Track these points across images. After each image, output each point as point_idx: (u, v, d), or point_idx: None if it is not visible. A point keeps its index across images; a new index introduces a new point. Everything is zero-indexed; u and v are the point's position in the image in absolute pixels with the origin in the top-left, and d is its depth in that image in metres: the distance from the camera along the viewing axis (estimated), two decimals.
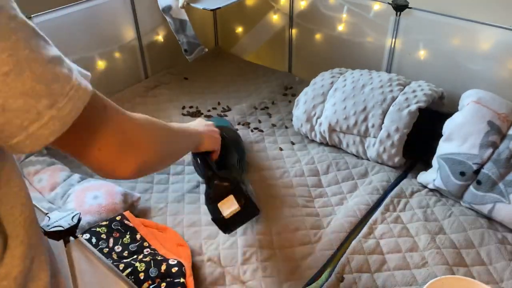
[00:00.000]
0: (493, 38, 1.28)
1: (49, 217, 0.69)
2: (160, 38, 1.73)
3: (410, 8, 1.39)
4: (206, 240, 1.04)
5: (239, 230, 1.05)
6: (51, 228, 0.66)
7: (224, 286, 0.94)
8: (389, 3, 1.42)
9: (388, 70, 1.52)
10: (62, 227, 0.67)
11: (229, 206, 0.91)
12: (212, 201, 0.94)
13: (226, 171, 1.00)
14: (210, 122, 1.07)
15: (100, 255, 0.70)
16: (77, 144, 0.54)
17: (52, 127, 0.44)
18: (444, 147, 1.14)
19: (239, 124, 1.46)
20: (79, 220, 0.70)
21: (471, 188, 1.08)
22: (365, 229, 1.05)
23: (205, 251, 1.01)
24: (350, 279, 0.94)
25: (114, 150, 0.56)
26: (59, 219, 0.68)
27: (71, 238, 0.69)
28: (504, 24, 1.24)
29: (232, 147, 1.14)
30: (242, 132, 1.42)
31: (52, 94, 0.44)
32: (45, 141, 0.45)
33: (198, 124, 1.01)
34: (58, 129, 0.45)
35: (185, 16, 1.55)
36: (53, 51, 0.46)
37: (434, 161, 1.16)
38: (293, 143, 1.37)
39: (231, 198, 0.92)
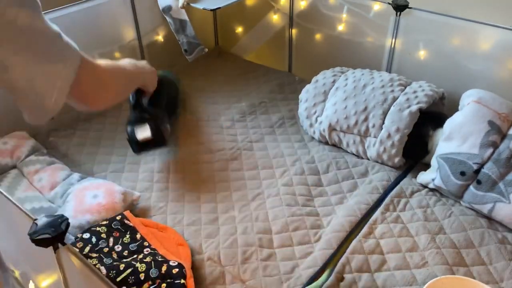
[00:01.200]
0: (493, 38, 1.28)
1: (36, 224, 0.67)
2: (160, 38, 1.73)
3: (410, 8, 1.39)
4: (206, 239, 1.04)
5: (239, 229, 1.05)
6: (38, 236, 0.65)
7: (224, 285, 0.94)
8: (389, 3, 1.42)
9: (388, 70, 1.52)
10: (49, 234, 0.65)
11: (143, 132, 1.14)
12: (130, 124, 1.16)
13: (151, 108, 1.21)
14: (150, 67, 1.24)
15: (88, 263, 0.69)
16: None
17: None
18: (444, 147, 1.14)
19: (238, 122, 1.46)
20: (67, 226, 0.68)
21: (471, 187, 1.08)
22: (365, 229, 1.05)
23: (205, 250, 1.01)
24: (350, 279, 0.94)
25: (91, 89, 0.82)
26: (46, 225, 0.66)
27: (60, 245, 0.67)
28: (504, 24, 1.24)
29: (164, 91, 1.29)
30: (241, 130, 1.42)
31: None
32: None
33: (145, 64, 1.18)
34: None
35: (185, 16, 1.55)
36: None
37: (434, 161, 1.16)
38: (293, 142, 1.37)
39: (146, 127, 1.15)
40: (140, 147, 1.18)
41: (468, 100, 1.15)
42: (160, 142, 1.19)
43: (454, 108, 1.21)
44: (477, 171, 1.07)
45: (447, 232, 1.05)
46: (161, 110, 1.25)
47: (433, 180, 1.14)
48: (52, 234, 0.65)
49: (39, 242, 0.65)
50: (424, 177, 1.18)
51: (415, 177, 1.21)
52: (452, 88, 1.36)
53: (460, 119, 1.13)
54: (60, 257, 0.68)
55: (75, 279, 0.71)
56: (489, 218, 1.08)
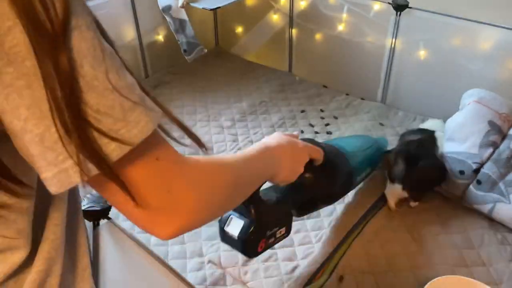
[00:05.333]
0: (493, 38, 1.29)
1: (83, 199, 0.68)
2: (160, 37, 1.73)
3: (410, 8, 1.39)
4: (207, 241, 1.04)
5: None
6: (85, 208, 0.65)
7: (225, 286, 0.94)
8: (389, 3, 1.42)
9: (388, 70, 1.52)
10: (96, 208, 0.66)
11: (233, 226, 0.83)
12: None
13: (272, 200, 0.85)
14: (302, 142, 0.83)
15: (136, 237, 0.68)
16: (111, 192, 0.44)
17: (85, 167, 0.38)
18: (446, 146, 1.15)
19: (239, 122, 1.46)
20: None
21: (471, 187, 1.08)
22: (365, 229, 1.05)
23: (206, 253, 1.01)
24: (350, 279, 0.94)
25: (152, 212, 0.46)
26: (93, 202, 0.67)
27: (102, 222, 0.68)
28: (504, 24, 1.24)
29: (322, 182, 0.89)
30: (241, 130, 1.42)
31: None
32: (72, 182, 0.38)
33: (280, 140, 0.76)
34: (92, 169, 0.38)
35: (184, 16, 1.55)
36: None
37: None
38: None
39: (239, 223, 0.81)
40: (223, 236, 0.85)
41: (469, 100, 1.16)
42: (244, 251, 0.83)
43: (454, 108, 1.22)
44: (477, 171, 1.07)
45: (448, 232, 1.05)
46: (283, 210, 0.87)
47: None
48: (98, 208, 0.65)
49: (85, 215, 0.63)
50: None
51: None
52: (452, 88, 1.36)
53: (461, 119, 1.13)
54: (98, 233, 0.67)
55: (111, 258, 0.68)
56: (489, 219, 1.08)
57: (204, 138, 1.41)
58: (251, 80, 1.72)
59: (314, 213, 1.11)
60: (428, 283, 0.85)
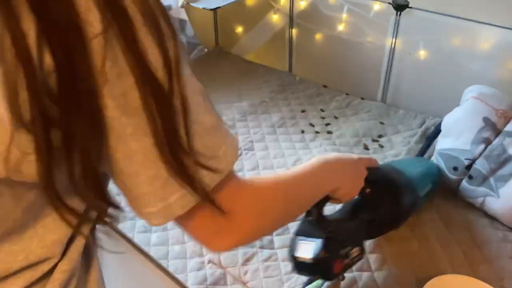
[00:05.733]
0: (493, 38, 1.29)
1: None
2: None
3: (410, 8, 1.39)
4: None
5: None
6: None
7: (226, 286, 0.95)
8: (389, 3, 1.42)
9: (388, 70, 1.52)
10: None
11: (304, 250, 0.81)
12: (297, 232, 0.84)
13: (337, 221, 0.85)
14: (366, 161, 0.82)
15: (133, 240, 0.68)
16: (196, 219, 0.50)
17: (185, 199, 0.44)
18: (441, 143, 1.16)
19: (239, 121, 1.46)
20: None
21: (464, 182, 1.10)
22: None
23: (206, 252, 1.01)
24: (351, 278, 0.94)
25: (210, 232, 0.51)
26: None
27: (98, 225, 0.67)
28: (504, 24, 1.24)
29: (385, 200, 0.88)
30: (242, 130, 1.42)
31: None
32: (175, 214, 0.45)
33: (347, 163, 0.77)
34: (191, 200, 0.45)
35: (184, 16, 1.55)
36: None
37: (436, 156, 1.18)
38: (294, 142, 1.37)
39: (311, 246, 0.80)
40: (296, 265, 0.83)
41: (469, 96, 1.17)
42: (323, 272, 0.82)
43: (453, 108, 1.22)
44: (469, 167, 1.08)
45: (449, 230, 1.05)
46: (352, 226, 0.86)
47: None
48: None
49: None
50: None
51: None
52: (452, 88, 1.36)
53: (456, 115, 1.15)
54: (95, 237, 0.67)
55: (108, 262, 0.69)
56: (490, 216, 1.08)
57: None
58: (251, 80, 1.72)
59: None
60: (429, 282, 0.85)
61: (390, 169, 0.95)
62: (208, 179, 0.45)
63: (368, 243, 1.02)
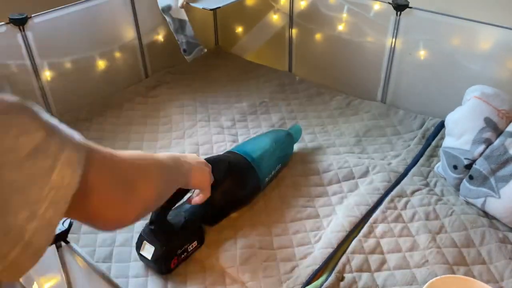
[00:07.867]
0: (493, 38, 1.28)
1: None
2: (160, 37, 1.73)
3: (410, 8, 1.39)
4: (206, 242, 1.04)
5: (238, 231, 1.05)
6: None
7: (224, 286, 0.94)
8: (389, 3, 1.42)
9: (388, 70, 1.52)
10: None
11: (146, 250, 0.95)
12: (143, 232, 0.96)
13: (178, 220, 0.98)
14: (202, 160, 0.95)
15: (90, 260, 0.70)
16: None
17: (33, 247, 0.41)
18: (445, 140, 1.18)
19: (239, 122, 1.46)
20: (70, 225, 0.73)
21: (465, 182, 1.11)
22: (365, 228, 1.05)
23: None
24: (350, 279, 0.94)
25: (119, 201, 0.55)
26: None
27: (63, 243, 0.68)
28: (504, 24, 1.24)
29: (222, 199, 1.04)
30: (242, 131, 1.42)
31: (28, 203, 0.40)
32: (26, 269, 0.42)
33: (190, 158, 0.89)
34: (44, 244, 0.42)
35: (184, 16, 1.55)
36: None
37: (440, 152, 1.21)
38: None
39: (151, 248, 0.94)
40: (140, 257, 0.97)
41: (471, 95, 1.17)
42: (160, 269, 0.95)
43: (454, 108, 1.22)
44: (468, 166, 1.09)
45: (448, 231, 1.05)
46: (191, 229, 1.00)
47: (438, 167, 1.22)
48: (55, 232, 0.66)
49: None
50: (438, 165, 1.24)
51: (416, 176, 1.21)
52: (452, 88, 1.36)
53: (458, 115, 1.16)
54: (63, 256, 0.68)
55: (79, 280, 0.72)
56: (490, 217, 1.08)
57: (204, 138, 1.42)
58: (251, 80, 1.72)
59: (313, 214, 1.11)
60: (428, 282, 0.85)
61: (237, 161, 1.09)
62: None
63: (368, 244, 1.01)
